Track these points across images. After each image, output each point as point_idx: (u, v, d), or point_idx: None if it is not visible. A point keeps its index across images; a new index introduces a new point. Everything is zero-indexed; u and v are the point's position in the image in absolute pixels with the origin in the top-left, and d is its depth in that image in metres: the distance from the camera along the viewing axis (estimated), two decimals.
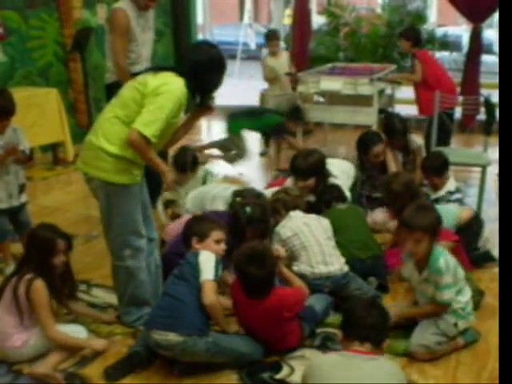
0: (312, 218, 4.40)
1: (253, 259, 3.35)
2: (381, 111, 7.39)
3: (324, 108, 7.46)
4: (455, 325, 3.63)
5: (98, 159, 3.48)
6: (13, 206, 4.59)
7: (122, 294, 3.79)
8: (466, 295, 3.70)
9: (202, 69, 3.51)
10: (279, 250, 3.84)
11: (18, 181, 4.59)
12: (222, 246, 3.65)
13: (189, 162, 5.21)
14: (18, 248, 4.84)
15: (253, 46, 23.16)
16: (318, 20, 10.87)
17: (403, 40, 7.17)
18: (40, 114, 7.11)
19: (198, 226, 3.68)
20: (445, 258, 3.57)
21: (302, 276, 3.93)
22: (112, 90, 4.62)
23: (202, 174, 5.56)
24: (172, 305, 3.34)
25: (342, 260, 4.18)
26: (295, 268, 4.08)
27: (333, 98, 7.34)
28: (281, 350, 3.57)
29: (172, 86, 3.41)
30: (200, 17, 12.05)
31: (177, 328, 3.26)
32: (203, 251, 3.51)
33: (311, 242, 4.14)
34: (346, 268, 4.15)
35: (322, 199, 4.88)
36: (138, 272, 3.68)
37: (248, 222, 4.17)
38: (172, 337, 3.26)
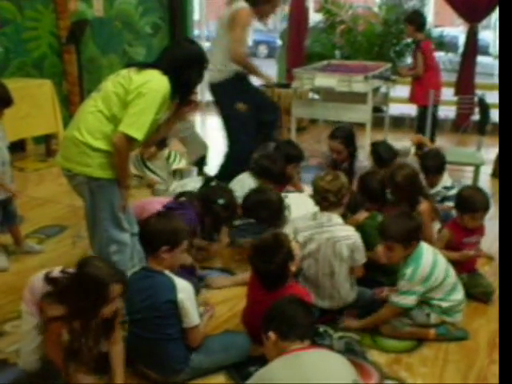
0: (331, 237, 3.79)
1: (261, 253, 3.32)
2: (375, 109, 7.40)
3: (318, 105, 7.45)
4: (427, 315, 3.69)
5: (81, 154, 3.45)
6: (7, 197, 4.55)
7: None
8: (450, 301, 3.70)
9: (181, 65, 3.51)
10: (295, 247, 3.56)
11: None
12: (187, 255, 3.50)
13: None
14: (6, 239, 4.83)
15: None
16: (314, 17, 10.85)
17: (407, 24, 7.34)
18: (33, 105, 7.09)
19: (171, 232, 3.22)
20: (414, 268, 3.58)
21: None
22: (216, 88, 5.32)
23: (165, 153, 5.88)
24: (146, 350, 3.20)
25: (343, 295, 3.85)
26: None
27: (327, 95, 7.33)
28: None
29: (156, 85, 3.40)
30: (197, 12, 11.99)
31: (156, 370, 3.22)
32: (179, 283, 3.12)
33: (310, 270, 3.84)
34: (341, 304, 3.87)
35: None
36: (125, 268, 3.62)
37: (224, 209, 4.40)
38: (154, 375, 3.23)
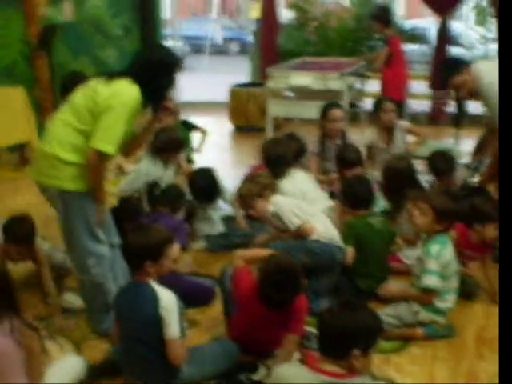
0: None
1: (273, 281, 3.20)
2: (351, 105, 7.40)
3: (293, 103, 7.42)
4: (416, 313, 3.70)
5: (51, 167, 3.42)
6: None
7: (91, 303, 3.74)
8: (446, 301, 3.72)
9: (151, 71, 3.47)
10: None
11: None
12: (175, 262, 3.36)
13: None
14: None
15: (219, 40, 23.14)
16: (287, 14, 10.84)
17: (375, 22, 7.30)
18: (5, 113, 6.98)
19: (152, 245, 3.12)
20: (440, 247, 3.65)
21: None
22: None
23: None
24: (136, 363, 3.18)
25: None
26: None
27: (302, 93, 7.30)
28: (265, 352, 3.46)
29: (124, 96, 3.36)
30: (167, 11, 11.93)
31: (146, 381, 3.18)
32: (162, 295, 3.06)
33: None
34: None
35: (348, 197, 4.39)
36: (104, 281, 3.61)
37: None
38: None
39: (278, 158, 4.87)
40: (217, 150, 8.14)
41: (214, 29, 22.15)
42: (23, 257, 4.15)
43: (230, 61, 19.77)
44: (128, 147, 3.68)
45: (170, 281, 3.32)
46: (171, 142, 5.21)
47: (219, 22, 23.43)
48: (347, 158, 5.12)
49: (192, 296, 3.98)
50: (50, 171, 3.43)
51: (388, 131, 5.74)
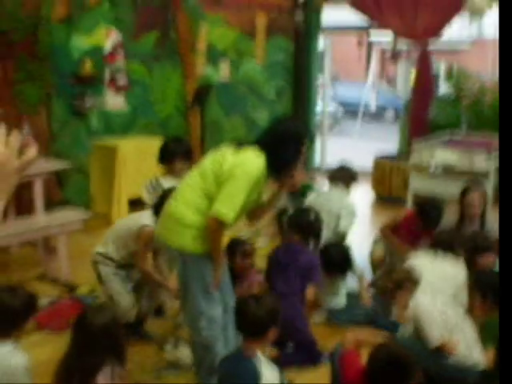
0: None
1: (384, 372, 3.09)
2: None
3: (437, 180, 7.22)
4: None
5: (175, 227, 3.53)
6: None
7: (199, 362, 3.77)
8: None
9: (278, 143, 3.52)
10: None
11: None
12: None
13: None
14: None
15: (374, 106, 23.14)
16: (442, 87, 10.70)
17: None
18: (156, 163, 7.30)
19: (275, 312, 3.21)
20: None
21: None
22: None
23: None
24: None
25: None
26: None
27: (447, 170, 7.11)
28: None
29: (248, 167, 3.43)
30: (323, 75, 12.08)
31: None
32: (266, 372, 3.11)
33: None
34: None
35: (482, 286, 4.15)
36: (214, 343, 3.63)
37: None
38: None
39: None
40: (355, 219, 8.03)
41: (369, 94, 22.23)
42: None
43: (384, 128, 19.72)
44: (252, 215, 3.75)
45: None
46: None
47: (375, 87, 23.47)
48: (479, 244, 4.81)
49: (303, 349, 4.30)
50: (173, 230, 3.54)
51: None
